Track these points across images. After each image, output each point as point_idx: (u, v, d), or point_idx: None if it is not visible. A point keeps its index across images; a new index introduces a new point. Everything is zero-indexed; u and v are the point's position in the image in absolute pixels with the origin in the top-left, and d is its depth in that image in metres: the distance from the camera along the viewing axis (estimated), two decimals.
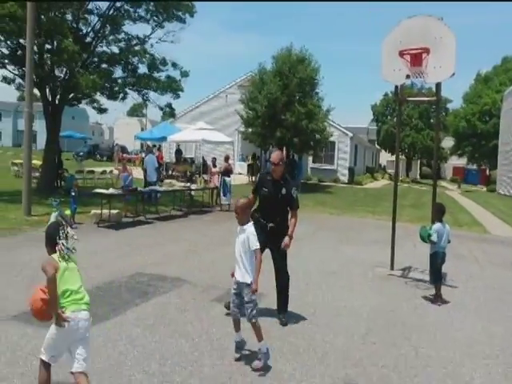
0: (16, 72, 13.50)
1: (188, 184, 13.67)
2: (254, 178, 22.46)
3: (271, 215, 4.58)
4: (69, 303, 2.68)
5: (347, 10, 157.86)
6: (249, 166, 25.43)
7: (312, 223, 11.42)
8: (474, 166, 47.21)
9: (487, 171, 43.56)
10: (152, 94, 15.27)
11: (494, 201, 22.51)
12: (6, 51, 12.87)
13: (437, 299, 5.51)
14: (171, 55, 25.15)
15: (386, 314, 5.04)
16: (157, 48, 14.66)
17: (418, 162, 53.19)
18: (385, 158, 53.23)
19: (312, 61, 21.10)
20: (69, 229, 2.85)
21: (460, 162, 49.88)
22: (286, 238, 4.52)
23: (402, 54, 6.58)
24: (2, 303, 4.53)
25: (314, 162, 28.30)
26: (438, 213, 5.86)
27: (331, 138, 24.10)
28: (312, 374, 3.49)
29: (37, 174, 14.03)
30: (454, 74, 6.38)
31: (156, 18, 14.46)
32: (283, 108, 19.73)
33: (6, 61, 13.04)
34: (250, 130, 21.41)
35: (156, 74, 14.88)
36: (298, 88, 20.20)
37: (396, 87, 7.12)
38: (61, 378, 3.05)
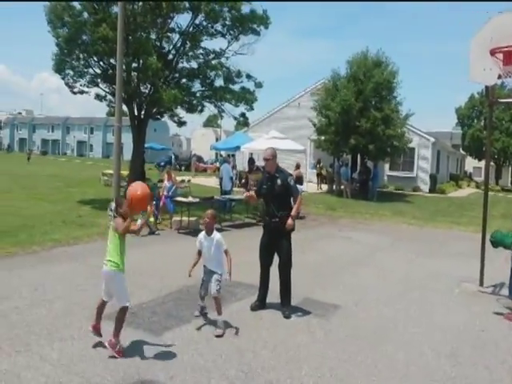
0: (107, 89, 14.74)
1: None
2: (321, 187, 22.08)
3: (274, 210, 4.90)
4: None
5: (426, 7, 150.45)
6: (318, 174, 24.96)
7: (390, 234, 10.92)
8: None
9: None
10: (227, 106, 15.76)
11: None
12: (98, 71, 14.12)
13: None
14: (246, 66, 25.81)
15: (476, 333, 4.62)
16: (232, 60, 15.13)
17: (510, 168, 48.55)
18: (471, 164, 49.36)
19: (389, 64, 20.37)
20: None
21: None
22: (289, 219, 4.87)
23: (493, 52, 6.07)
24: (94, 303, 4.88)
25: (391, 169, 27.09)
26: None
27: (410, 144, 22.94)
28: None
29: (124, 184, 15.13)
30: None
31: (232, 32, 14.94)
32: (358, 114, 19.22)
33: (99, 80, 14.30)
34: (322, 137, 21.16)
35: (231, 86, 15.33)
36: (374, 93, 19.59)
37: (486, 88, 6.65)
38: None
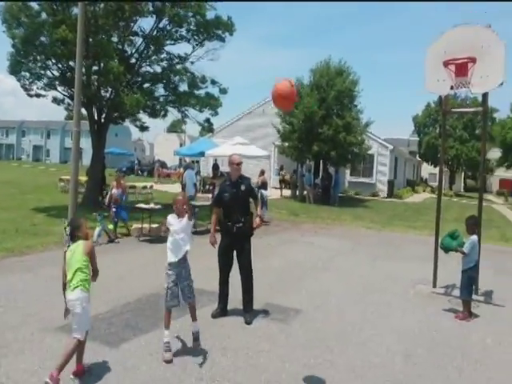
0: (65, 93, 14.28)
1: None
2: (283, 192, 22.27)
3: (237, 216, 4.92)
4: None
5: (387, 20, 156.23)
6: (280, 180, 25.14)
7: (350, 238, 11.20)
8: None
9: None
10: (191, 111, 15.67)
11: None
12: (56, 73, 13.67)
13: (468, 314, 5.35)
14: (211, 72, 25.73)
15: (428, 332, 4.83)
16: (197, 66, 15.11)
17: (462, 174, 51.12)
18: (426, 170, 51.54)
19: (351, 73, 20.97)
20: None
21: (508, 174, 47.43)
22: (257, 219, 5.07)
23: (446, 64, 6.41)
24: (49, 313, 4.70)
25: (351, 175, 27.85)
26: (475, 226, 5.71)
27: (370, 151, 23.69)
28: None
29: (82, 190, 14.64)
30: (502, 83, 6.13)
31: (197, 37, 14.91)
32: (320, 121, 19.64)
33: (57, 82, 13.84)
34: (286, 144, 21.45)
35: (196, 92, 15.27)
36: (336, 101, 20.09)
37: (440, 98, 6.93)
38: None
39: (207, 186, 22.02)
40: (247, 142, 19.55)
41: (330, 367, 3.82)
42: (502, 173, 48.50)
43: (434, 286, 6.60)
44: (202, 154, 21.01)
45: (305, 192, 21.01)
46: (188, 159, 26.78)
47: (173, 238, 4.08)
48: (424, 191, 38.15)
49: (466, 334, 4.83)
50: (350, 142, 19.83)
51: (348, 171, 27.11)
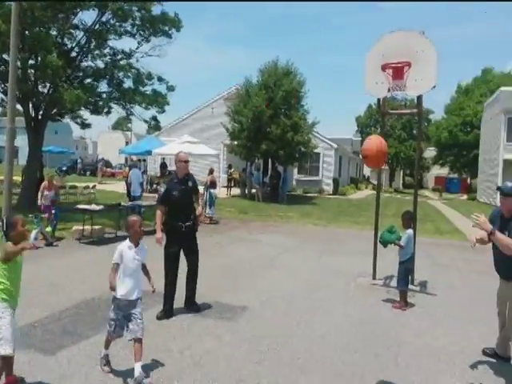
0: None
1: None
2: (231, 191, 22.33)
3: (185, 214, 4.94)
4: None
5: (333, 22, 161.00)
6: (229, 179, 25.11)
7: (297, 235, 11.47)
8: (456, 176, 48.33)
9: (468, 180, 44.59)
10: (137, 108, 15.25)
11: (475, 209, 22.85)
12: None
13: (404, 304, 5.68)
14: (157, 69, 25.27)
15: (368, 323, 5.09)
16: (143, 62, 14.74)
17: (401, 172, 54.00)
18: (369, 168, 53.90)
19: (297, 74, 21.43)
20: None
21: (442, 171, 50.83)
22: (200, 207, 5.25)
23: (384, 67, 6.74)
24: None
25: (299, 173, 28.51)
26: (411, 220, 6.06)
27: (316, 150, 24.38)
28: None
29: (18, 191, 13.78)
30: (435, 87, 6.56)
31: (142, 33, 14.51)
32: (269, 121, 19.91)
33: None
34: (235, 142, 21.52)
35: (141, 89, 14.88)
36: (284, 101, 20.45)
37: (378, 100, 7.26)
38: None
39: (154, 186, 21.54)
40: (196, 141, 19.39)
41: (275, 361, 3.92)
42: (437, 170, 51.86)
43: (374, 278, 6.96)
44: (148, 152, 20.53)
45: (254, 190, 21.21)
46: (135, 158, 26.06)
47: (128, 275, 3.52)
48: (366, 188, 39.96)
49: (403, 323, 5.14)
50: (298, 141, 20.28)
51: (296, 170, 27.74)
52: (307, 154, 22.27)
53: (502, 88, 30.20)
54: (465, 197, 36.61)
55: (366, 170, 53.98)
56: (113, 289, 3.48)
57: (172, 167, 26.36)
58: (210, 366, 3.75)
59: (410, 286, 6.26)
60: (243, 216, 14.89)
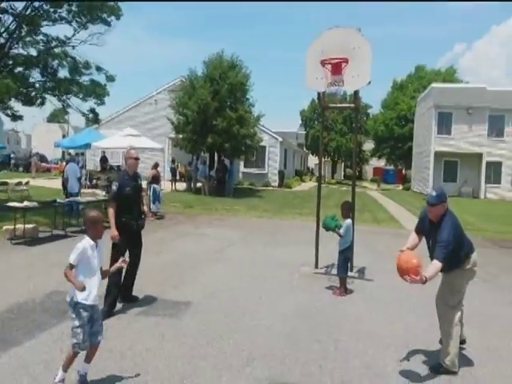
0: None
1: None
2: (175, 185, 21.90)
3: (137, 211, 5.07)
4: None
5: (278, 18, 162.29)
6: (173, 173, 24.48)
7: (242, 228, 11.55)
8: (392, 167, 51.15)
9: (403, 171, 47.32)
10: (74, 100, 14.49)
11: (409, 198, 24.45)
12: None
13: (344, 290, 5.96)
14: (97, 58, 24.03)
15: (311, 311, 5.26)
16: (80, 51, 14.01)
17: (343, 164, 56.06)
18: (313, 161, 55.38)
19: (243, 67, 21.41)
20: None
21: (379, 163, 53.50)
22: (145, 207, 5.30)
23: (323, 63, 6.91)
24: None
25: (245, 166, 28.66)
26: (349, 210, 6.32)
27: (262, 143, 24.60)
28: (238, 377, 3.54)
29: None
30: (370, 82, 6.84)
31: (79, 20, 13.74)
32: (214, 114, 19.75)
33: None
34: (180, 136, 21.15)
35: (79, 78, 14.14)
36: (229, 94, 20.37)
37: (319, 94, 7.45)
38: None
39: (94, 181, 20.65)
40: (139, 134, 18.79)
41: (219, 355, 3.93)
42: (375, 162, 54.46)
43: (316, 267, 7.20)
44: (87, 145, 19.58)
45: (199, 184, 21.01)
46: (73, 152, 24.79)
47: (89, 277, 3.21)
48: (310, 180, 41.07)
49: (342, 309, 5.37)
50: (243, 134, 20.33)
51: (242, 163, 27.83)
52: (253, 147, 22.41)
53: (434, 84, 32.22)
54: (400, 187, 38.85)
55: (311, 163, 55.45)
56: (81, 289, 3.12)
57: (114, 162, 25.40)
58: (153, 366, 3.67)
59: (350, 273, 6.56)
60: (189, 210, 14.72)
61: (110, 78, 14.62)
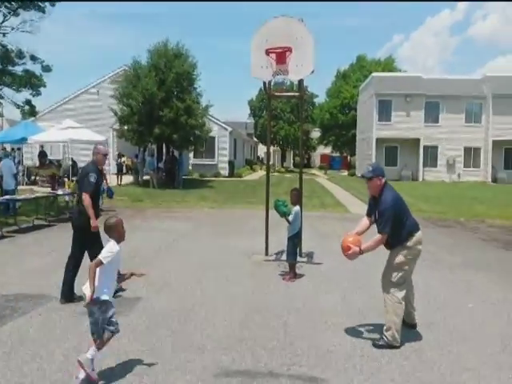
0: None
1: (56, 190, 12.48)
2: (121, 179, 21.20)
3: (97, 204, 5.25)
4: None
5: (227, 8, 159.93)
6: (118, 166, 23.42)
7: (193, 220, 11.47)
8: (338, 154, 52.85)
9: (348, 158, 49.06)
10: (6, 90, 13.56)
11: (354, 183, 25.43)
12: None
13: (293, 275, 6.11)
14: (32, 47, 22.48)
15: (261, 297, 5.35)
16: (12, 39, 13.09)
17: (292, 152, 57.03)
18: (263, 150, 55.77)
19: (189, 56, 20.98)
20: None
21: (326, 150, 55.05)
22: (91, 211, 5.05)
23: (268, 52, 6.94)
24: None
25: (195, 157, 28.33)
26: (298, 197, 6.45)
27: (211, 134, 24.37)
28: (190, 369, 3.53)
29: None
30: (313, 71, 6.98)
31: (9, 5, 12.79)
32: (161, 104, 19.26)
33: None
34: (125, 127, 20.45)
35: (11, 68, 13.23)
36: (176, 83, 19.93)
37: (264, 84, 7.48)
38: None
39: (33, 177, 19.50)
40: (80, 126, 17.95)
41: (169, 349, 3.88)
42: (322, 150, 55.93)
43: (267, 254, 7.33)
44: (24, 140, 18.38)
45: (147, 177, 20.50)
46: (8, 147, 23.20)
47: (111, 273, 3.40)
48: (261, 169, 41.34)
49: (292, 293, 5.51)
50: (192, 124, 20.04)
51: (191, 154, 27.47)
52: (202, 137, 22.17)
53: (374, 73, 33.46)
54: (346, 173, 40.25)
55: (260, 152, 55.83)
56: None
57: (54, 156, 24.05)
58: (104, 364, 3.57)
59: (299, 258, 6.73)
60: (138, 204, 14.35)
61: (46, 69, 13.91)
